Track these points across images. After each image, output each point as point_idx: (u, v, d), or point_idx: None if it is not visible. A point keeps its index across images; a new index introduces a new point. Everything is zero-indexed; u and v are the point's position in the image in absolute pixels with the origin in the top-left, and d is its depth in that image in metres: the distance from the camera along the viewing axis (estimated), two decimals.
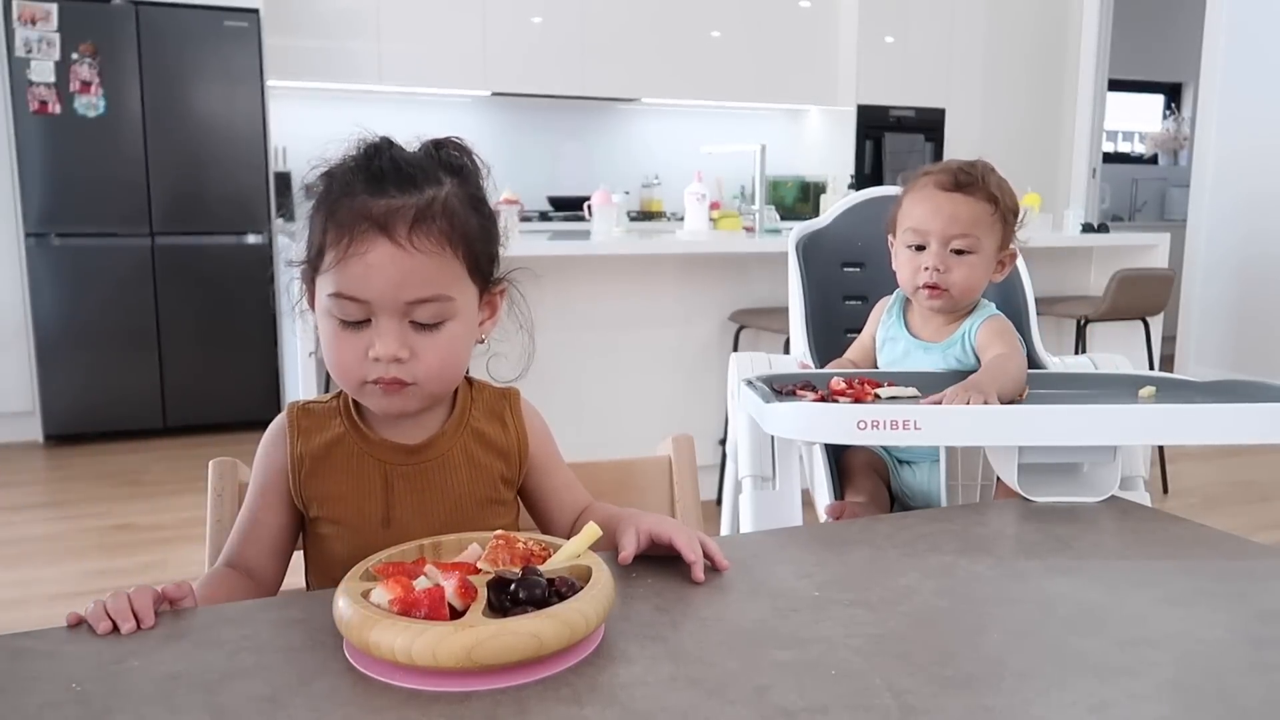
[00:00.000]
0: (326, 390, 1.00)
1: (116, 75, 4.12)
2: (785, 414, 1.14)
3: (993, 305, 1.47)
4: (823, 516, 1.48)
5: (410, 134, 0.94)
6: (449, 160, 0.90)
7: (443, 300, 0.86)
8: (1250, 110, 5.13)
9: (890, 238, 1.49)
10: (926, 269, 1.39)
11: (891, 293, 1.56)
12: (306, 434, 0.94)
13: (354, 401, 0.95)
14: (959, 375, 1.35)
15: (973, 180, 1.39)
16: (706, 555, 0.88)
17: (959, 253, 1.39)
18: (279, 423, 0.96)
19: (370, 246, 0.83)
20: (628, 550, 0.88)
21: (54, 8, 3.99)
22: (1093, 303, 3.60)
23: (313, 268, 0.89)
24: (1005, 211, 1.41)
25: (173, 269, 4.32)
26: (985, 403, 1.12)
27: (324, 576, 0.96)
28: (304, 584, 1.01)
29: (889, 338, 1.48)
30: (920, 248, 1.40)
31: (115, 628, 0.75)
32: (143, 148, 4.19)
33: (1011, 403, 1.23)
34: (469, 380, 1.00)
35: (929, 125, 5.97)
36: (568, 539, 0.98)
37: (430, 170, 0.88)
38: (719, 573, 0.89)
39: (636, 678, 0.69)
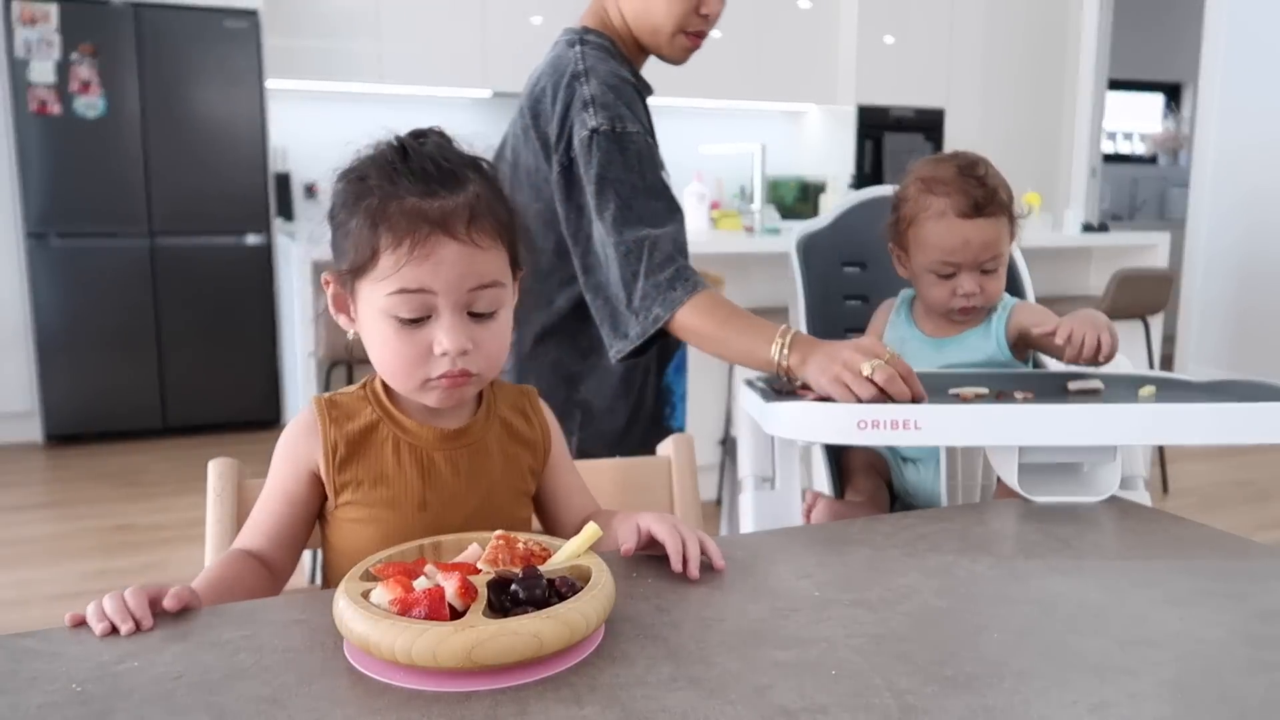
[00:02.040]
0: (327, 389, 1.02)
1: (116, 76, 4.12)
2: (785, 414, 1.14)
3: (1008, 295, 1.48)
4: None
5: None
6: (467, 156, 0.93)
7: (497, 287, 0.91)
8: (1250, 110, 5.13)
9: (895, 248, 1.47)
10: (963, 294, 1.39)
11: (892, 293, 1.56)
12: (338, 422, 0.94)
13: (384, 389, 0.96)
14: (961, 375, 1.36)
15: (988, 196, 1.36)
16: (704, 553, 0.88)
17: (988, 271, 1.39)
18: (306, 416, 0.95)
19: (435, 246, 0.86)
20: (629, 543, 0.88)
21: (54, 8, 3.99)
22: (1093, 302, 3.60)
23: (357, 274, 0.90)
24: (1011, 210, 1.42)
25: (173, 269, 4.32)
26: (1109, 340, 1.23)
27: (350, 562, 0.95)
28: (305, 582, 1.01)
29: (899, 337, 1.48)
30: (950, 275, 1.40)
31: (114, 629, 0.75)
32: (142, 148, 4.20)
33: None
34: None
35: (929, 125, 5.98)
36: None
37: (462, 167, 0.90)
38: (717, 573, 0.89)
39: (636, 678, 0.69)
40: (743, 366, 1.35)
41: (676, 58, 1.51)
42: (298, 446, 0.95)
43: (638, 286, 1.34)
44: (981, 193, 1.36)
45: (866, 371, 1.16)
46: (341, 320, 0.96)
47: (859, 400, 1.16)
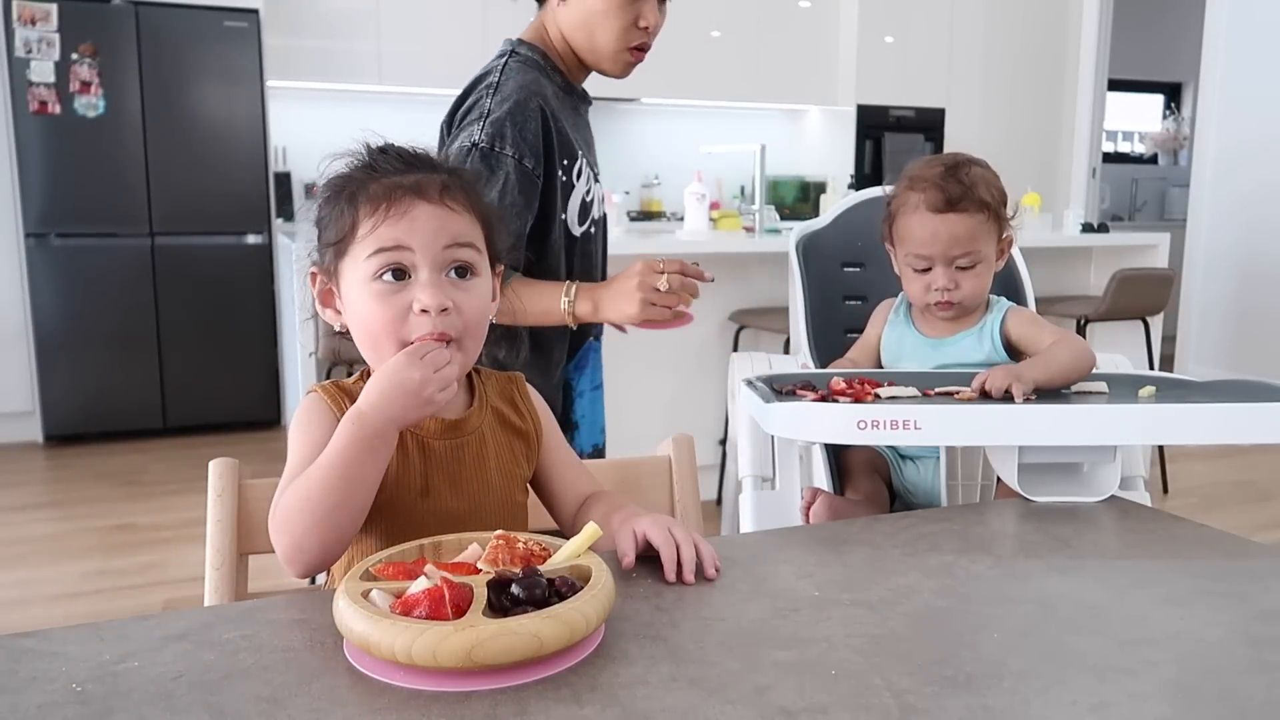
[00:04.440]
0: None
1: (116, 75, 4.12)
2: (785, 414, 1.14)
3: (1004, 298, 1.48)
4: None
5: (410, 134, 0.99)
6: (443, 160, 0.99)
7: (473, 248, 0.93)
8: (1250, 110, 5.13)
9: (887, 246, 1.50)
10: (936, 289, 1.40)
11: (892, 293, 1.56)
12: (344, 406, 0.93)
13: None
14: (963, 375, 1.36)
15: (962, 192, 1.38)
16: (699, 558, 0.88)
17: (964, 268, 1.40)
18: (313, 401, 0.95)
19: (410, 206, 0.90)
20: (629, 556, 0.88)
21: (54, 8, 3.99)
22: (1093, 303, 3.60)
23: (339, 252, 0.92)
24: (996, 210, 1.42)
25: (173, 269, 4.32)
26: (1021, 389, 1.16)
27: (355, 548, 0.95)
28: (305, 582, 1.01)
29: (897, 337, 1.49)
30: (925, 269, 1.41)
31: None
32: (143, 148, 4.20)
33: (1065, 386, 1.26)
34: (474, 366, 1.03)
35: (929, 125, 5.97)
36: (572, 522, 1.00)
37: (437, 160, 0.97)
38: (708, 580, 0.88)
39: (636, 678, 0.69)
40: (541, 325, 1.45)
41: (619, 73, 1.53)
42: (320, 425, 0.93)
43: None
44: (957, 190, 1.38)
45: (664, 287, 1.34)
46: (328, 315, 0.97)
47: (671, 312, 1.35)
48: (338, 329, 0.97)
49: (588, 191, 1.53)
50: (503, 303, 1.35)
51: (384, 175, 0.92)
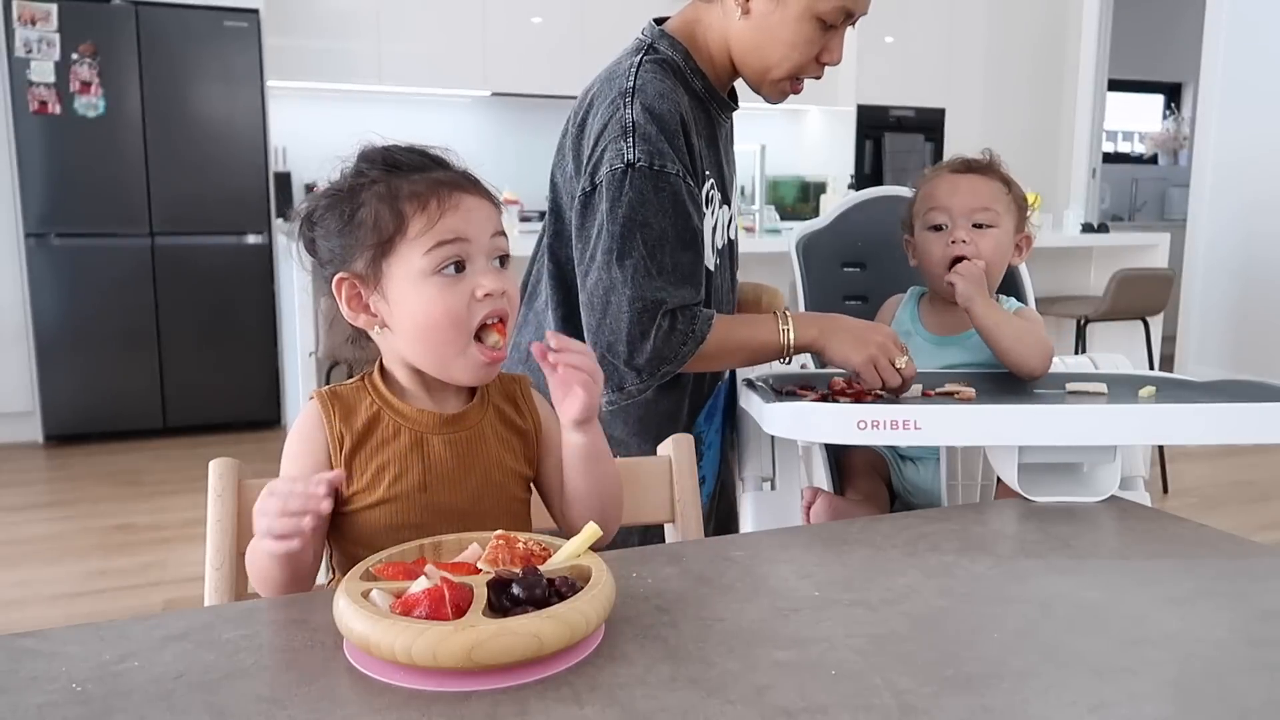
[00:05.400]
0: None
1: (116, 75, 4.12)
2: (785, 414, 1.14)
3: (1013, 299, 1.49)
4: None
5: (410, 134, 1.00)
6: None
7: (507, 237, 0.98)
8: (1250, 110, 5.13)
9: (906, 237, 1.50)
10: (954, 242, 1.41)
11: (892, 292, 1.56)
12: (342, 414, 0.96)
13: (382, 379, 0.98)
14: (964, 374, 1.36)
15: (985, 164, 1.46)
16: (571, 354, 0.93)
17: (980, 226, 1.41)
18: (310, 411, 0.96)
19: (459, 200, 0.93)
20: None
21: (54, 8, 3.99)
22: (1093, 303, 3.60)
23: (383, 253, 0.93)
24: (1017, 196, 1.46)
25: (173, 269, 4.32)
26: (964, 285, 1.33)
27: (357, 548, 0.96)
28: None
29: (903, 333, 1.49)
30: (943, 227, 1.43)
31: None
32: (143, 148, 4.19)
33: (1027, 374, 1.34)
34: None
35: (929, 125, 5.98)
36: (572, 523, 1.00)
37: (444, 157, 1.00)
38: (717, 573, 0.88)
39: (636, 678, 0.69)
40: (758, 365, 1.38)
41: (773, 100, 1.43)
42: (307, 443, 0.95)
43: (646, 348, 1.25)
44: (978, 161, 1.47)
45: (900, 364, 1.23)
46: (361, 320, 0.97)
47: (884, 387, 1.23)
48: (376, 331, 0.97)
49: (711, 215, 1.38)
50: (709, 346, 1.27)
51: (411, 172, 0.94)
